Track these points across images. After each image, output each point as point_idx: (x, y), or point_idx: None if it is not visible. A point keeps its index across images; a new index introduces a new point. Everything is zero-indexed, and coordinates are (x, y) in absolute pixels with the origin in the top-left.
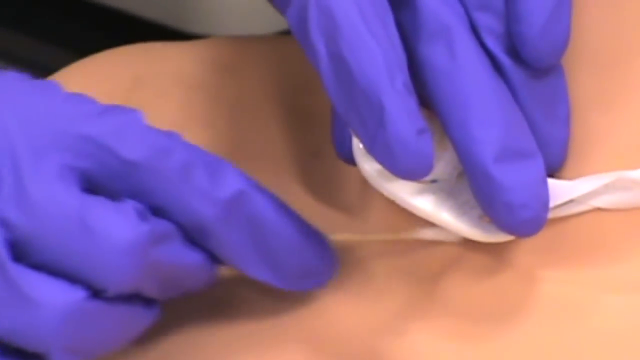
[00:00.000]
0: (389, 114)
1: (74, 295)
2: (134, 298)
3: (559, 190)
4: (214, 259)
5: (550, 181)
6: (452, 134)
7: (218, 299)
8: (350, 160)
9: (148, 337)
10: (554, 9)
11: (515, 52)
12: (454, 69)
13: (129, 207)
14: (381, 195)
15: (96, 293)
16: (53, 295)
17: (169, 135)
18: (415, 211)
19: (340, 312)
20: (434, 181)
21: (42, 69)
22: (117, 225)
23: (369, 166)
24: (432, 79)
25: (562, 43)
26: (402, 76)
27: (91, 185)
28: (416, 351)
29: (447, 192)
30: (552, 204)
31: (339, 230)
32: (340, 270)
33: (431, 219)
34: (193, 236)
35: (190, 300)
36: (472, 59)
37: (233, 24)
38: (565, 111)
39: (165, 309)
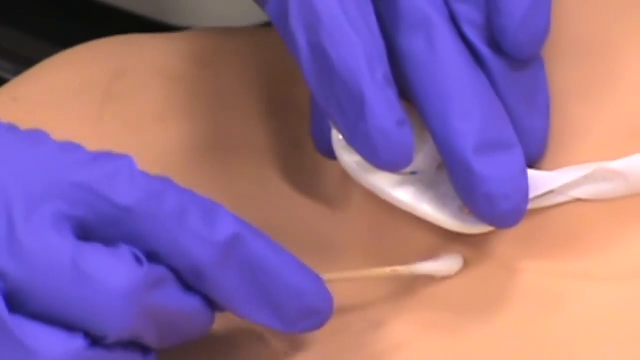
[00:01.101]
0: (370, 105)
1: (73, 344)
2: (132, 346)
3: (539, 181)
4: (211, 303)
5: (530, 172)
6: (431, 126)
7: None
8: (330, 153)
9: None
10: (534, 0)
11: (495, 43)
12: (434, 60)
13: (125, 251)
14: (362, 186)
15: (96, 341)
16: (52, 345)
17: (162, 179)
18: (395, 203)
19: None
20: (413, 173)
21: (23, 61)
22: (112, 271)
23: (348, 158)
24: (411, 71)
25: (542, 34)
26: (382, 68)
27: (86, 233)
28: (396, 343)
29: (427, 183)
30: (532, 194)
31: (321, 221)
32: (316, 262)
33: (411, 211)
34: (189, 281)
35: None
36: (451, 50)
37: (214, 16)
38: (545, 102)
39: (161, 358)
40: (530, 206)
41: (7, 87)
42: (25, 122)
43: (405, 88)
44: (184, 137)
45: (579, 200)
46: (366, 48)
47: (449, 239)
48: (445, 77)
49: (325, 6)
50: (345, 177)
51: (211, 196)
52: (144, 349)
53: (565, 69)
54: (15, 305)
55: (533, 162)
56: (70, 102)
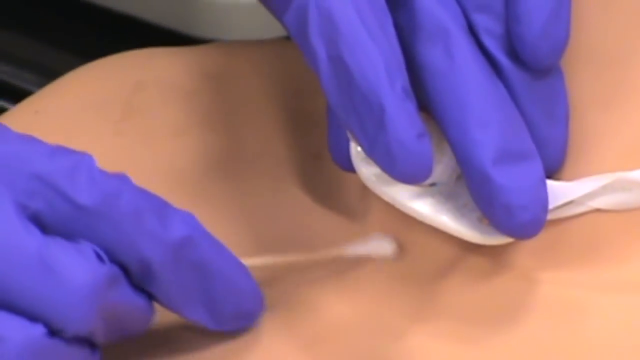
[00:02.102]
0: (389, 117)
1: (33, 331)
2: (84, 340)
3: (558, 191)
4: (153, 301)
5: (549, 182)
6: (450, 136)
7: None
8: (347, 166)
9: None
10: (554, 9)
11: (514, 53)
12: (452, 71)
13: (87, 248)
14: (380, 198)
15: (54, 332)
16: (13, 331)
17: (120, 178)
18: (414, 215)
19: (338, 314)
20: (432, 184)
21: (47, 73)
22: (77, 267)
23: (367, 170)
24: (430, 81)
25: (561, 43)
26: (401, 79)
27: (43, 226)
28: (414, 354)
29: (445, 195)
30: (551, 205)
31: (339, 233)
32: (337, 273)
33: (430, 222)
34: (138, 279)
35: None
36: (469, 60)
37: (238, 28)
38: (564, 112)
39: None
40: (549, 217)
41: (30, 100)
42: (46, 135)
43: (423, 99)
44: (203, 150)
45: (598, 210)
46: (385, 60)
47: (467, 250)
48: (464, 87)
49: (344, 18)
50: (364, 188)
51: (230, 207)
52: (91, 344)
53: (586, 78)
54: None
55: (552, 172)
56: (90, 116)
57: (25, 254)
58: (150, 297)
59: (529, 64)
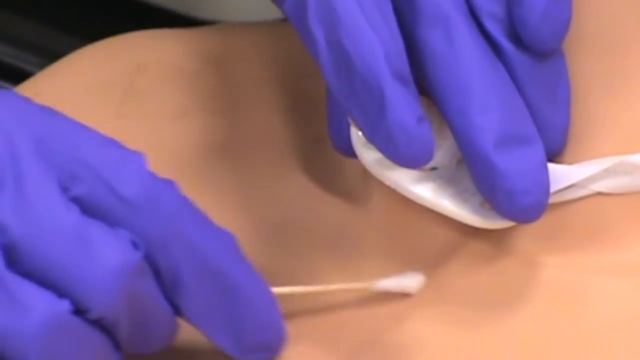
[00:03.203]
0: (389, 101)
1: (59, 306)
2: (107, 330)
3: (560, 175)
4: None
5: (551, 166)
6: (451, 121)
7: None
8: (347, 151)
9: None
10: None
11: (516, 36)
12: (452, 55)
13: (124, 234)
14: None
15: (79, 312)
16: (40, 302)
17: (168, 182)
18: (416, 199)
19: (337, 298)
20: (434, 169)
21: (51, 55)
22: (112, 248)
23: (368, 155)
24: (430, 66)
25: (563, 26)
26: (401, 64)
27: (83, 210)
28: (416, 338)
29: (447, 179)
30: (552, 188)
31: (341, 217)
32: (337, 257)
33: (432, 207)
34: (168, 287)
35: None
36: (469, 45)
37: (241, 10)
38: (566, 96)
39: None
40: (550, 200)
41: (30, 82)
42: None
43: (424, 84)
44: (204, 132)
45: (599, 194)
46: (385, 45)
47: (468, 235)
48: (464, 71)
49: (343, 4)
50: (366, 172)
51: (231, 191)
52: (114, 338)
53: (587, 63)
54: (11, 260)
55: (553, 155)
56: (92, 98)
57: (63, 229)
58: (175, 310)
59: (531, 46)
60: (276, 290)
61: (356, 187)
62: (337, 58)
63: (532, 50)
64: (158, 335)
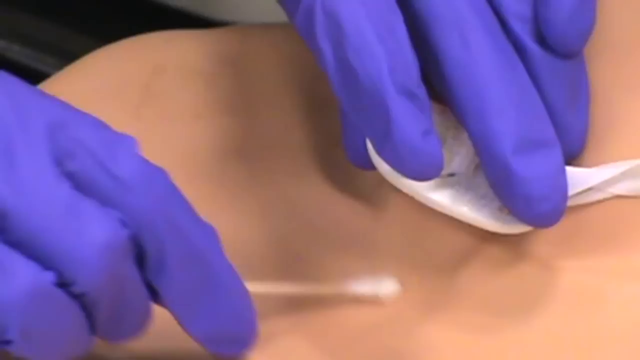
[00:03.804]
0: (394, 117)
1: (44, 277)
2: (87, 307)
3: (578, 178)
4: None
5: (569, 169)
6: (468, 127)
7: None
8: (362, 163)
9: None
10: None
11: (541, 37)
12: (469, 59)
13: (113, 212)
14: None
15: (63, 285)
16: (25, 271)
17: (159, 168)
18: (434, 206)
19: (348, 309)
20: (451, 175)
21: (68, 56)
22: (101, 224)
23: (384, 163)
24: (446, 70)
25: (588, 28)
26: (407, 77)
27: (74, 185)
28: (431, 344)
29: (465, 185)
30: (571, 192)
31: (358, 220)
32: (352, 262)
33: (450, 213)
34: (151, 271)
35: None
36: (487, 48)
37: (258, 11)
38: (585, 99)
39: None
40: (569, 203)
41: (48, 83)
42: None
43: (440, 88)
44: (221, 134)
45: (618, 197)
46: (391, 59)
47: (486, 239)
48: (481, 77)
49: (349, 19)
50: (382, 176)
51: (246, 193)
52: (91, 324)
53: (608, 66)
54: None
55: (571, 158)
56: (109, 99)
57: (53, 201)
58: (153, 296)
59: (556, 48)
60: (250, 286)
61: (373, 190)
62: (345, 74)
63: (557, 51)
64: (131, 322)
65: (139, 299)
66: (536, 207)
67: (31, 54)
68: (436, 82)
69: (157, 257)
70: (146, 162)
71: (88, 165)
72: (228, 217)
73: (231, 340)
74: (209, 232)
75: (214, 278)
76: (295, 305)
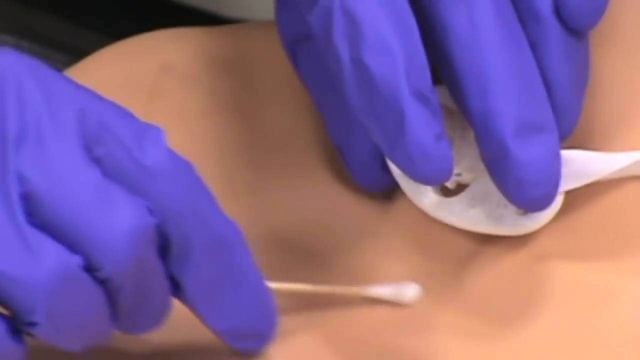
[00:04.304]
0: (409, 120)
1: (72, 260)
2: (110, 293)
3: (595, 165)
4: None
5: (588, 154)
6: (468, 105)
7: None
8: (374, 186)
9: None
10: None
11: (557, 12)
12: (474, 37)
13: (140, 200)
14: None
15: (89, 270)
16: (53, 253)
17: (185, 160)
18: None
19: (357, 308)
20: (458, 175)
21: (78, 53)
22: (129, 210)
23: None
24: (451, 48)
25: (603, 4)
26: (422, 81)
27: (103, 172)
28: (436, 350)
29: (479, 199)
30: (587, 180)
31: (367, 217)
32: (361, 261)
33: (469, 230)
34: (173, 260)
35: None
36: (493, 26)
37: (268, 8)
38: (585, 82)
39: None
40: (575, 185)
41: None
42: None
43: (442, 68)
44: (230, 132)
45: (626, 192)
46: (407, 62)
47: (489, 240)
48: (487, 55)
49: (367, 21)
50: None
51: (255, 191)
52: (113, 312)
53: (622, 54)
54: (29, 211)
55: (562, 139)
56: (118, 96)
57: (83, 184)
58: (174, 290)
59: (571, 22)
60: (271, 284)
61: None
62: (359, 75)
63: (570, 25)
64: (151, 314)
65: (161, 290)
66: (528, 192)
67: (40, 51)
68: (438, 60)
69: (181, 247)
70: (173, 153)
71: (116, 152)
72: (236, 216)
73: (252, 336)
74: (234, 226)
75: (238, 272)
76: (310, 303)
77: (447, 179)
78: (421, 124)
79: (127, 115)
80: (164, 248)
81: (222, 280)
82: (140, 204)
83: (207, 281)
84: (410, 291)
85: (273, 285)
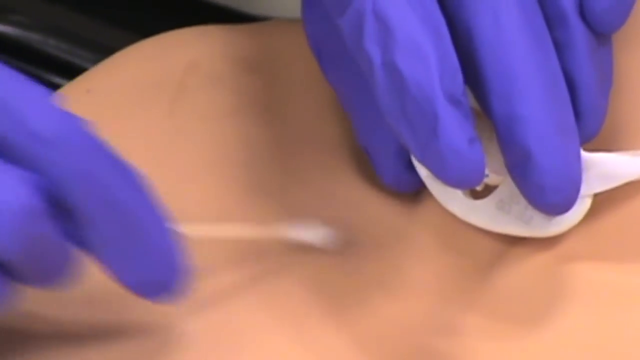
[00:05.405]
0: (442, 124)
1: None
2: (6, 274)
3: (623, 168)
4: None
5: (614, 156)
6: (492, 107)
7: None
8: (401, 186)
9: None
10: None
11: (582, 13)
12: (499, 38)
13: (26, 173)
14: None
15: None
16: None
17: (76, 117)
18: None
19: (384, 309)
20: (486, 176)
21: (104, 50)
22: (12, 191)
23: (426, 172)
24: (476, 49)
25: (629, 6)
26: (454, 85)
27: None
28: (462, 351)
29: (507, 201)
30: (615, 182)
31: (393, 217)
32: (387, 260)
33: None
34: (78, 225)
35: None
36: (518, 27)
37: (294, 6)
38: (609, 84)
39: None
40: (602, 189)
41: (82, 78)
42: (97, 114)
43: (470, 70)
44: (255, 131)
45: None
46: (440, 66)
47: (514, 241)
48: (513, 58)
49: (400, 25)
50: None
51: (279, 189)
52: (8, 276)
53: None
54: None
55: (587, 142)
56: (143, 95)
57: None
58: (84, 249)
59: (596, 23)
60: (188, 229)
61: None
62: (391, 79)
63: (595, 27)
64: (57, 272)
65: (62, 253)
66: (549, 197)
67: (67, 48)
68: (462, 61)
69: (77, 209)
70: (61, 113)
71: (2, 121)
72: (261, 213)
73: (160, 288)
74: (132, 180)
75: (139, 229)
76: (330, 292)
77: (480, 182)
78: (455, 127)
79: (13, 76)
80: (62, 208)
81: (125, 239)
82: (28, 180)
83: (108, 237)
84: (319, 233)
85: (187, 230)
